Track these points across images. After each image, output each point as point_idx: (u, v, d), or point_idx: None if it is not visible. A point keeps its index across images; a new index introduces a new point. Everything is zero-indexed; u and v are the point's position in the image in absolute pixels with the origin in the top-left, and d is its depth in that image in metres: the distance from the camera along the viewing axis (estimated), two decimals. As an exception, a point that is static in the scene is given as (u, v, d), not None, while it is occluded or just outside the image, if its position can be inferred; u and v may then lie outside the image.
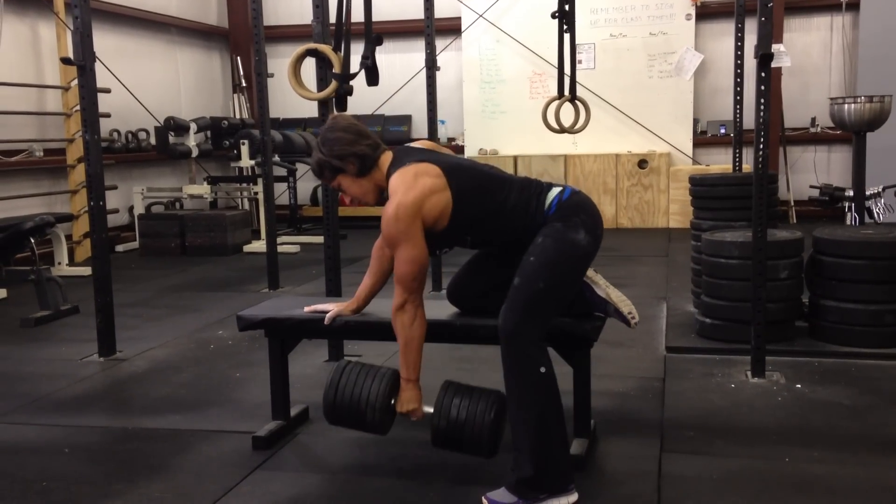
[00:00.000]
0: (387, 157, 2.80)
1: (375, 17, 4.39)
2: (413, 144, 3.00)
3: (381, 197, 2.82)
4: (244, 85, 10.97)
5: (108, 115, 7.89)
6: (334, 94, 4.09)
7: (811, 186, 7.87)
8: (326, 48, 4.06)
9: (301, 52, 4.12)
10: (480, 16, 9.86)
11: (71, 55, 4.41)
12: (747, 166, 6.70)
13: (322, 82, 4.13)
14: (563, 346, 2.90)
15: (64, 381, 4.15)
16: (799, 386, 3.78)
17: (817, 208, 8.04)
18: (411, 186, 2.64)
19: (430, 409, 2.81)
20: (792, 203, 9.53)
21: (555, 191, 2.78)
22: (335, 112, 4.18)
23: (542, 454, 2.58)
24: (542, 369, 2.59)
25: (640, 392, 3.76)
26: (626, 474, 2.88)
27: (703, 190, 5.42)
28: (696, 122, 9.78)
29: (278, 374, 3.28)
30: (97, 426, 3.51)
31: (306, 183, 10.51)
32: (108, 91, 7.69)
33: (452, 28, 9.99)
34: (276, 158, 8.90)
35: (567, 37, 6.28)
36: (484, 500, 2.63)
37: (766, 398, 3.63)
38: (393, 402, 2.83)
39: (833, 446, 3.09)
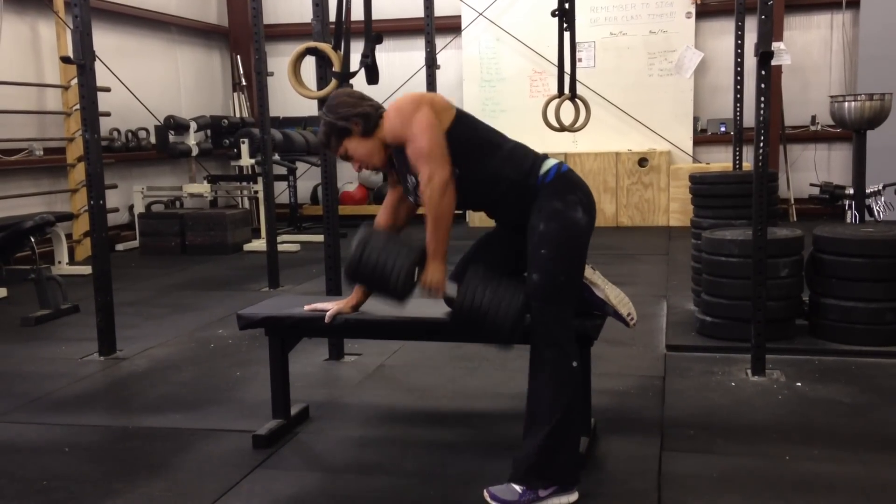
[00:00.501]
0: None
1: (375, 16, 4.39)
2: None
3: (388, 159, 2.85)
4: (244, 84, 10.96)
5: (108, 114, 7.88)
6: (334, 93, 4.09)
7: (811, 184, 7.88)
8: (326, 47, 4.06)
9: (301, 51, 4.12)
10: (480, 14, 9.85)
11: (71, 54, 4.40)
12: (747, 164, 6.69)
13: (322, 81, 4.13)
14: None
15: (64, 380, 4.15)
16: (799, 384, 3.78)
17: (817, 206, 8.04)
18: (416, 93, 2.79)
19: (453, 291, 2.74)
20: (792, 201, 9.53)
21: (552, 161, 2.83)
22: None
23: (559, 447, 2.59)
24: (574, 363, 2.63)
25: (641, 390, 3.76)
26: (627, 473, 2.88)
27: (704, 188, 5.42)
28: (696, 120, 9.78)
29: (278, 372, 3.28)
30: (97, 425, 3.51)
31: (306, 182, 10.51)
32: (108, 90, 7.68)
33: (452, 26, 9.99)
34: (277, 157, 8.90)
35: (567, 35, 6.27)
36: (486, 494, 2.64)
37: (767, 396, 3.63)
38: (417, 275, 2.78)
39: (833, 444, 3.09)
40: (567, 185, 2.76)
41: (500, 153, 2.79)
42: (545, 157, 2.85)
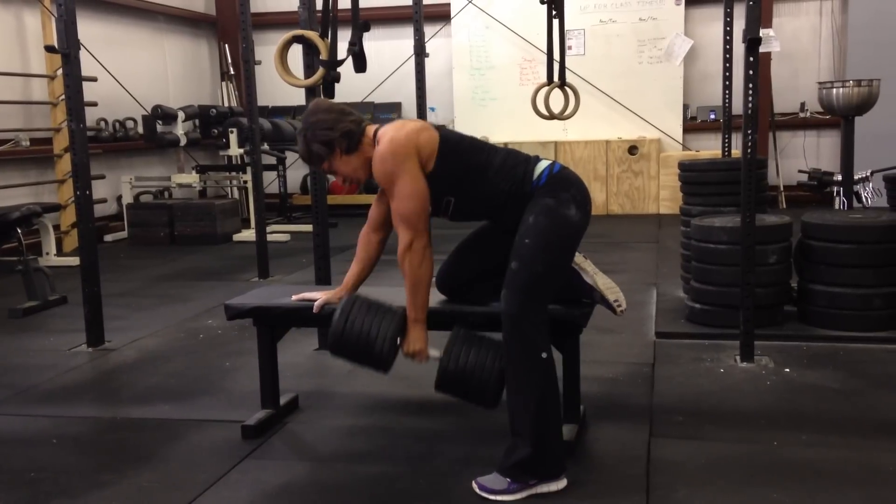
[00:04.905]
0: (371, 128, 2.84)
1: (363, 4, 4.37)
2: None
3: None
4: (232, 73, 10.90)
5: (94, 104, 7.84)
6: (322, 81, 4.07)
7: (800, 171, 7.90)
8: (313, 34, 4.04)
9: (287, 39, 4.09)
10: (470, 1, 9.81)
11: (55, 43, 4.36)
12: (737, 152, 6.69)
13: (309, 69, 4.10)
14: (552, 332, 2.89)
15: (52, 371, 4.13)
16: (787, 370, 3.79)
17: (806, 193, 8.07)
18: (402, 126, 2.72)
19: (436, 354, 2.80)
20: (781, 188, 9.54)
21: (544, 163, 2.80)
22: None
23: (540, 439, 2.59)
24: (544, 354, 2.61)
25: (630, 377, 3.77)
26: (616, 459, 2.89)
27: (693, 175, 5.42)
28: (685, 107, 9.77)
29: (267, 362, 3.27)
30: (86, 416, 3.50)
31: (296, 171, 10.47)
32: (94, 80, 7.63)
33: (441, 14, 9.94)
34: (265, 147, 8.86)
35: (556, 23, 6.26)
36: (474, 485, 2.64)
37: (755, 382, 3.64)
38: (399, 341, 2.81)
39: (821, 430, 3.10)
40: (560, 184, 2.74)
41: (490, 170, 2.76)
42: (537, 159, 2.82)
